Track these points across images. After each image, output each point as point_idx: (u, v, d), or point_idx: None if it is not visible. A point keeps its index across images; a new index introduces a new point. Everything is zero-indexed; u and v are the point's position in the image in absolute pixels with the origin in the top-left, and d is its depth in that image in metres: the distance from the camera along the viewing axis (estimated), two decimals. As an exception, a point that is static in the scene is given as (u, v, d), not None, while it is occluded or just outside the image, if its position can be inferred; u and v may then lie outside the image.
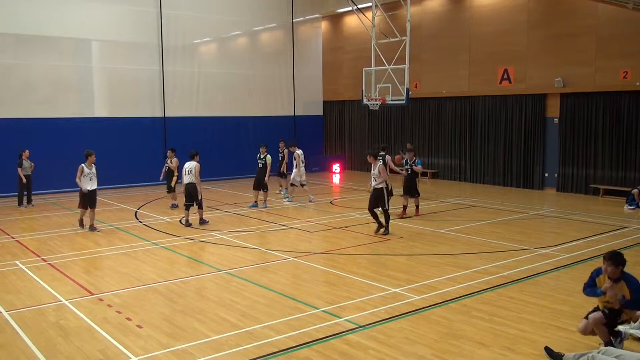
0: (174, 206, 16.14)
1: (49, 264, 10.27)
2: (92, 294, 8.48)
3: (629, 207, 15.66)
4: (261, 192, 16.23)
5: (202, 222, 13.80)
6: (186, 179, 13.67)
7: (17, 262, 10.38)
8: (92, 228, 13.08)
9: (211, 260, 10.58)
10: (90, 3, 20.04)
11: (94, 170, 13.09)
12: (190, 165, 13.66)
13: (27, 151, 16.60)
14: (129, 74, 21.18)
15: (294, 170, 17.04)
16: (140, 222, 14.30)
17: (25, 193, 16.66)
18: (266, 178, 15.98)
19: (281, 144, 18.86)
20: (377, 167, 12.52)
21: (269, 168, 16.03)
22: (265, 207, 16.11)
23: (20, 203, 16.57)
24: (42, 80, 19.40)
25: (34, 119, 19.09)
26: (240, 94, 24.04)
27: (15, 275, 9.56)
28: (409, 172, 14.60)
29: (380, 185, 12.46)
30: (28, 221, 14.57)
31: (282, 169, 18.29)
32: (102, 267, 10.11)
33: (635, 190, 16.00)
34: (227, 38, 24.29)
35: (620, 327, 6.69)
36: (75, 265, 10.22)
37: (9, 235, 12.78)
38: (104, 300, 8.19)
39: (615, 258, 6.00)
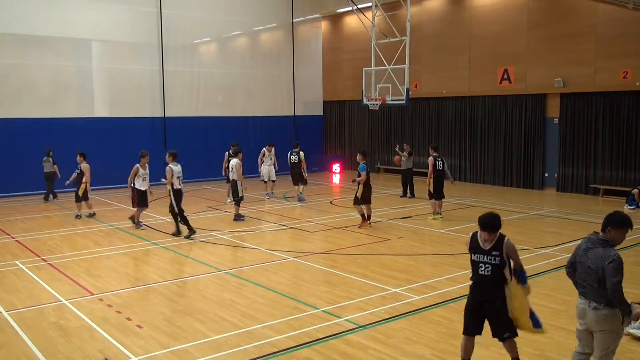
0: (78, 217, 14.69)
1: (49, 264, 10.28)
2: (92, 294, 8.48)
3: (629, 207, 15.66)
4: (300, 185, 17.27)
5: (237, 218, 14.21)
6: (231, 175, 14.39)
7: (17, 262, 10.39)
8: (139, 225, 13.46)
9: (211, 260, 10.58)
10: (90, 3, 20.04)
11: (147, 170, 13.33)
12: (232, 162, 14.31)
13: (50, 150, 17.52)
14: (129, 74, 21.18)
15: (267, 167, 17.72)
16: (140, 222, 14.28)
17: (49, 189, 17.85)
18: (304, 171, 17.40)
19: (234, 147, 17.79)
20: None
21: (304, 164, 17.48)
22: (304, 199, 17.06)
23: (47, 198, 17.71)
24: (42, 80, 19.41)
25: (34, 119, 19.09)
26: (240, 94, 24.03)
27: (15, 275, 9.56)
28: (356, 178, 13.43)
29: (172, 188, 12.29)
30: (28, 221, 14.56)
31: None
32: (102, 267, 10.11)
33: (635, 190, 16.01)
34: (227, 38, 24.29)
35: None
36: (76, 265, 10.22)
37: (8, 235, 12.78)
38: (104, 300, 8.20)
39: (493, 223, 5.42)
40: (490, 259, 5.48)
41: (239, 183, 14.09)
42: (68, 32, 19.73)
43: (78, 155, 14.64)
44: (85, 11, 19.95)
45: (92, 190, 19.43)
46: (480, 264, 5.55)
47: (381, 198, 17.96)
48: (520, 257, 5.65)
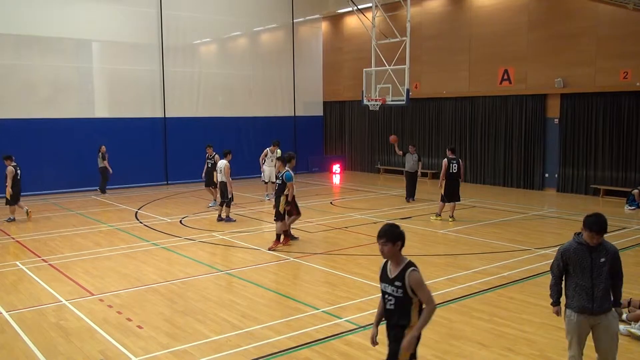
0: (11, 220, 14.31)
1: (50, 264, 10.28)
2: (93, 295, 8.48)
3: (629, 207, 15.66)
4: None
5: (228, 219, 14.13)
6: (218, 177, 14.24)
7: (17, 262, 10.39)
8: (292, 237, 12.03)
9: (211, 261, 10.58)
10: (91, 3, 20.05)
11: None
12: (221, 164, 14.14)
13: (104, 147, 19.03)
14: (129, 74, 21.18)
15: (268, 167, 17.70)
16: (141, 222, 14.30)
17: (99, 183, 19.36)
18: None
19: (209, 150, 16.38)
20: None
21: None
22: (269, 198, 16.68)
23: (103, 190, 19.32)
24: (42, 81, 19.41)
25: (34, 120, 19.09)
26: (240, 95, 24.03)
27: (16, 275, 9.57)
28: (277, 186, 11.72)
29: None
30: (28, 221, 14.55)
31: (215, 178, 15.45)
32: (102, 268, 10.11)
33: (635, 191, 16.00)
34: (227, 38, 24.30)
35: (621, 327, 6.70)
36: (76, 265, 10.22)
37: (9, 235, 12.78)
38: (104, 301, 8.20)
39: (391, 232, 4.34)
40: (393, 291, 4.36)
41: (227, 186, 13.95)
42: (68, 33, 19.74)
43: (5, 159, 14.25)
44: (85, 11, 19.95)
45: (94, 190, 19.60)
46: (386, 295, 4.44)
47: (382, 198, 17.96)
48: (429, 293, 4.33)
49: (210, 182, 16.29)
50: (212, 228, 13.42)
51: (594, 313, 5.03)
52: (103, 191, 19.24)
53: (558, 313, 5.30)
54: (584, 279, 5.03)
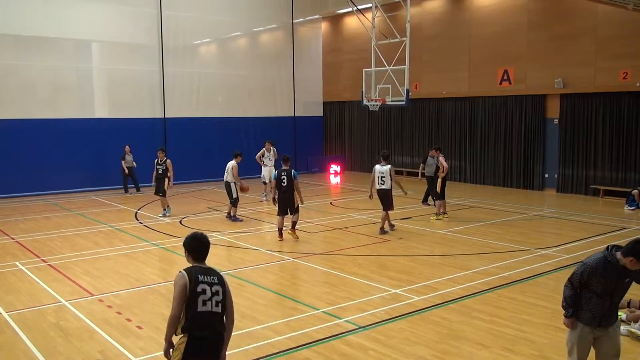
0: None
1: (49, 264, 10.27)
2: (92, 295, 8.48)
3: (629, 207, 15.66)
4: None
5: (235, 219, 14.26)
6: (224, 177, 14.38)
7: (17, 263, 10.38)
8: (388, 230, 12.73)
9: (211, 261, 10.49)
10: (90, 4, 20.05)
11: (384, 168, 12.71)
12: (229, 165, 14.31)
13: (127, 147, 19.23)
14: (128, 75, 21.18)
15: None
16: (141, 222, 14.30)
17: (131, 182, 19.57)
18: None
19: (161, 154, 15.01)
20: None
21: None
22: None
23: (126, 190, 19.45)
24: (42, 81, 19.41)
25: (34, 120, 19.08)
26: (240, 95, 24.02)
27: (15, 276, 9.56)
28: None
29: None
30: (28, 222, 14.56)
31: (166, 185, 14.73)
32: (102, 268, 10.10)
33: (635, 191, 16.00)
34: (227, 39, 24.30)
35: (621, 327, 6.69)
36: (76, 266, 10.21)
37: (8, 236, 12.78)
38: (104, 301, 8.19)
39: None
40: None
41: (232, 185, 14.11)
42: (68, 33, 19.73)
43: None
44: (85, 12, 19.95)
45: (94, 191, 19.61)
46: None
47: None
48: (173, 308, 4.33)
49: (159, 190, 14.82)
50: (211, 228, 13.42)
51: (601, 325, 4.94)
52: (134, 189, 19.48)
53: (573, 325, 5.01)
54: (603, 297, 4.84)
